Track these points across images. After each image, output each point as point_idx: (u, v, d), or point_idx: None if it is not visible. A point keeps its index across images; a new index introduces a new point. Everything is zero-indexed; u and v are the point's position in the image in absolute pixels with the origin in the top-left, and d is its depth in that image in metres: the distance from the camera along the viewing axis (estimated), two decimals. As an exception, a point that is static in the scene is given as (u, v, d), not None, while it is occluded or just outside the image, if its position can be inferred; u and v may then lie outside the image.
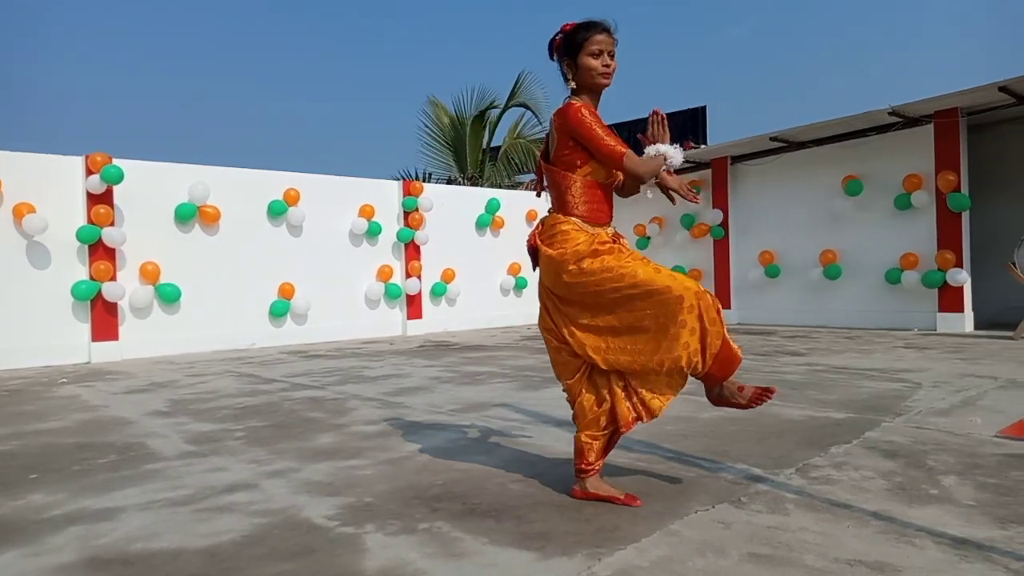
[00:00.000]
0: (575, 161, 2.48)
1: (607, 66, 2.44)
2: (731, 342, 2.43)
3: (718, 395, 2.53)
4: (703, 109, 15.88)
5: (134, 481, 2.98)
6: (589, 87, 2.48)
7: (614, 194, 2.62)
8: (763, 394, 2.46)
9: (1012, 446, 3.12)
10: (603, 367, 2.46)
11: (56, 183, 7.91)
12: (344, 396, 5.06)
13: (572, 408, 2.62)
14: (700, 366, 2.40)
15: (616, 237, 2.56)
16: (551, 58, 2.55)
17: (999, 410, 3.88)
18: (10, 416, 4.65)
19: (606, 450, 2.61)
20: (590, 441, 2.53)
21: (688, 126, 15.75)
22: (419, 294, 10.90)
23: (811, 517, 2.30)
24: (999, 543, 2.05)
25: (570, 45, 2.44)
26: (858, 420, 3.72)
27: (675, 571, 1.92)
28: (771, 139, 10.07)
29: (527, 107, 15.62)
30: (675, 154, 2.44)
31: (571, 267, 2.43)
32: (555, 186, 2.55)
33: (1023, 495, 2.46)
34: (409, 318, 10.82)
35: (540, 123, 15.64)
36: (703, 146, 12.35)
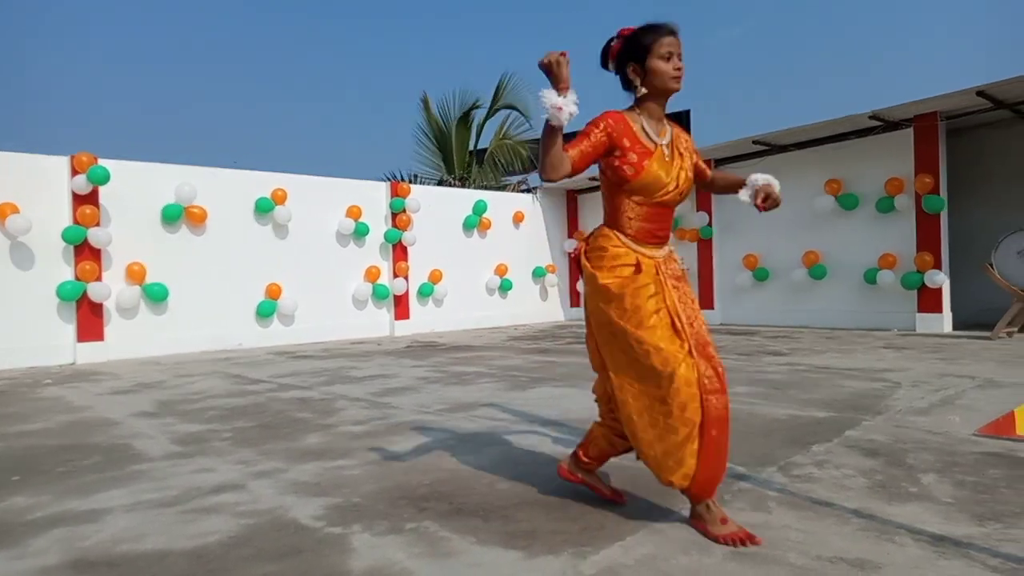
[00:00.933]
0: (621, 177, 2.31)
1: (678, 68, 2.28)
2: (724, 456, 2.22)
3: (694, 514, 2.26)
4: (687, 112, 15.96)
5: (120, 482, 2.97)
6: (660, 91, 2.31)
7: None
8: (745, 540, 2.11)
9: (989, 444, 3.18)
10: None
11: (41, 183, 7.85)
12: (332, 396, 5.05)
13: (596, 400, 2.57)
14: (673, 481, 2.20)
15: (668, 260, 2.37)
16: (604, 66, 2.40)
17: (977, 409, 3.94)
18: (-7, 418, 4.61)
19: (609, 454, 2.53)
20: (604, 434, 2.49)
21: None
22: (406, 295, 10.89)
23: (793, 515, 2.33)
24: (977, 540, 2.09)
25: (635, 49, 2.28)
26: (839, 419, 3.77)
27: (660, 569, 1.95)
28: (754, 142, 10.15)
29: (514, 108, 15.63)
30: (561, 103, 2.04)
31: (593, 292, 2.33)
32: (603, 196, 2.43)
33: (1000, 493, 2.51)
34: (397, 319, 10.81)
35: (529, 125, 15.66)
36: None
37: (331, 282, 10.16)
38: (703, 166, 2.59)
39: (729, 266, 11.07)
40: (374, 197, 10.74)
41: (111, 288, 8.08)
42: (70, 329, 7.97)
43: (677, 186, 2.35)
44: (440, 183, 15.52)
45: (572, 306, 13.52)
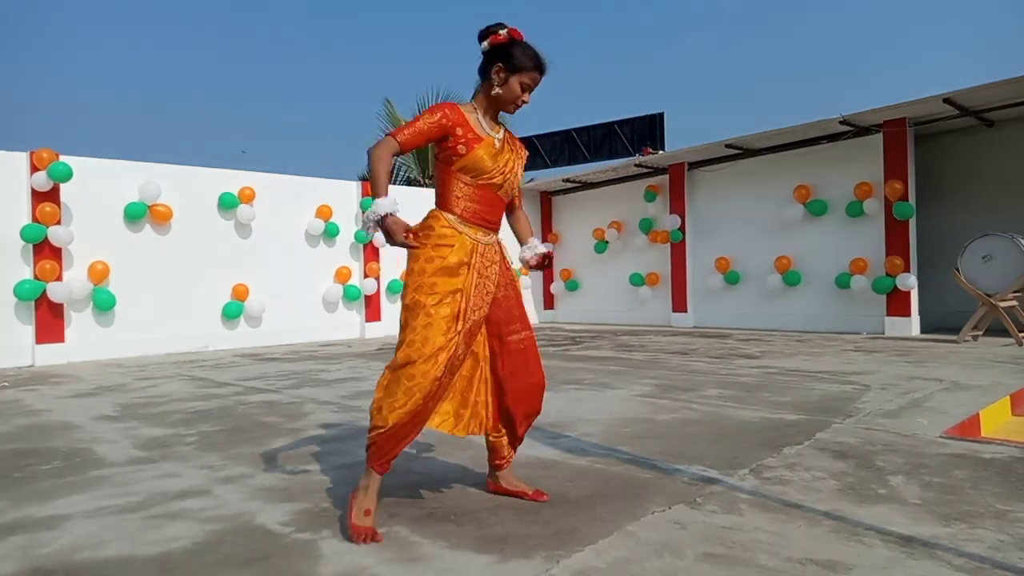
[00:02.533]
0: (452, 156, 2.47)
1: (524, 102, 2.50)
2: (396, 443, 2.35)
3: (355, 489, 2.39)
4: (661, 116, 16.04)
5: (80, 488, 2.88)
6: (499, 105, 2.51)
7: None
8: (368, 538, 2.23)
9: (956, 446, 3.23)
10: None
11: (-2, 179, 7.63)
12: (300, 400, 4.98)
13: None
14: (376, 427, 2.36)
15: (489, 249, 2.51)
16: (481, 42, 2.49)
17: (944, 411, 4.01)
18: (-53, 421, 4.46)
19: (513, 446, 2.68)
20: (499, 438, 2.63)
21: (647, 132, 15.92)
22: (377, 295, 10.80)
23: (765, 517, 2.34)
24: (943, 540, 2.11)
25: (512, 58, 2.43)
26: (810, 421, 3.81)
27: (632, 572, 1.94)
28: (727, 146, 10.26)
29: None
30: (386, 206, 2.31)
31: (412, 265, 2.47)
32: (436, 179, 2.57)
33: (965, 494, 2.54)
34: (367, 320, 10.71)
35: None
36: (660, 152, 12.50)
37: (300, 283, 10.03)
38: (518, 193, 2.75)
39: (702, 269, 11.16)
40: (345, 196, 10.64)
41: (71, 288, 7.88)
42: (28, 330, 7.76)
43: (503, 175, 2.51)
44: (409, 183, 15.44)
45: (546, 308, 13.53)
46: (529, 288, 13.24)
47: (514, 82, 2.45)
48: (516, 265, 2.72)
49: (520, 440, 2.67)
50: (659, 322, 11.64)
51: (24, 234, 7.60)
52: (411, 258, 2.47)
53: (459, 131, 2.42)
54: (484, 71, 2.50)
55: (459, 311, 2.38)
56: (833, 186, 9.71)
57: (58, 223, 7.80)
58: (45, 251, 7.77)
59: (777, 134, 9.64)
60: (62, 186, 7.88)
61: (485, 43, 2.47)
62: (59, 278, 7.82)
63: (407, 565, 2.03)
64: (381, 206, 2.30)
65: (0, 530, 2.40)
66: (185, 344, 8.87)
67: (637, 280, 11.89)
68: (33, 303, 7.72)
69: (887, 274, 8.96)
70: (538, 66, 2.47)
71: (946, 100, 8.09)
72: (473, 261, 2.44)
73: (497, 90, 2.47)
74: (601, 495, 2.61)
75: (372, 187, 2.38)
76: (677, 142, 17.17)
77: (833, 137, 9.59)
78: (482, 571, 1.98)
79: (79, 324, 8.10)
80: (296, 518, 2.46)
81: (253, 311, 9.43)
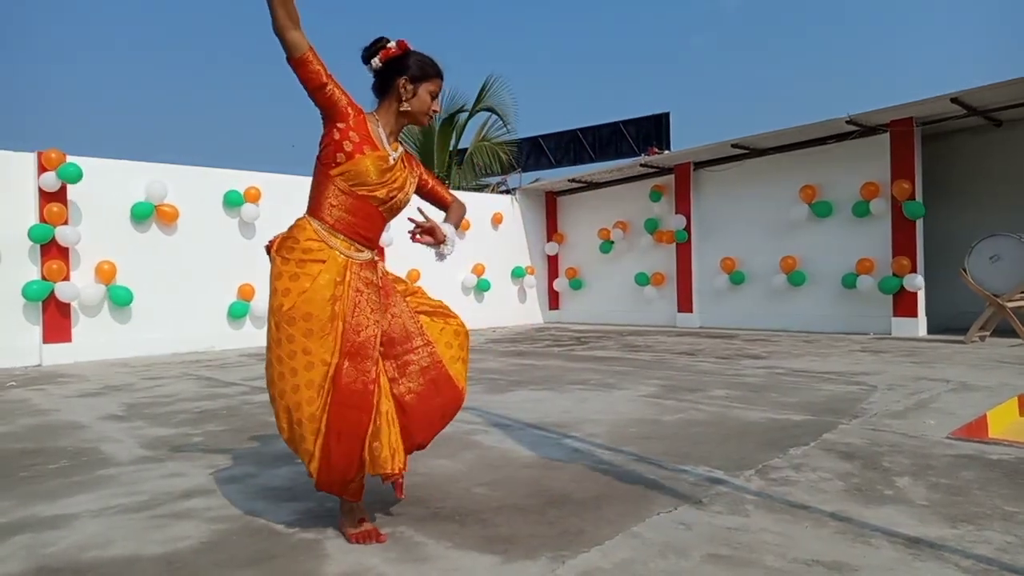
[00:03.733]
0: (335, 156, 2.25)
1: (435, 111, 2.42)
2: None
3: (340, 511, 2.33)
4: (666, 115, 16.04)
5: (86, 487, 2.90)
6: (414, 117, 2.38)
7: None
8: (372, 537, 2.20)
9: (963, 447, 3.21)
10: None
11: (6, 180, 7.67)
12: (306, 399, 4.98)
13: None
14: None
15: (365, 267, 2.30)
16: (367, 62, 2.36)
17: (951, 412, 3.99)
18: (-45, 421, 4.48)
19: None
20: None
21: (652, 132, 15.91)
22: (383, 296, 10.80)
23: (770, 518, 2.33)
24: (950, 542, 2.10)
25: (412, 68, 2.32)
26: (816, 422, 3.79)
27: (637, 573, 1.93)
28: (732, 146, 10.23)
29: (493, 111, 15.64)
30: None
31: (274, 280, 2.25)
32: (312, 184, 2.35)
33: (973, 495, 2.53)
34: (373, 321, 10.72)
35: (507, 129, 15.70)
36: (666, 152, 12.49)
37: (307, 283, 10.03)
38: (441, 191, 2.70)
39: (707, 270, 11.13)
40: (351, 198, 10.64)
41: (78, 288, 7.92)
42: (36, 330, 7.80)
43: (389, 190, 2.31)
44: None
45: (551, 308, 13.52)
46: (535, 287, 13.24)
47: (423, 92, 2.34)
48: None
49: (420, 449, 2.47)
50: (664, 322, 11.62)
51: (32, 234, 7.64)
52: (274, 275, 2.23)
53: (352, 123, 2.24)
54: (383, 88, 2.36)
55: (334, 335, 2.18)
56: (839, 186, 9.67)
57: (65, 223, 7.84)
58: (52, 251, 7.81)
59: (783, 134, 9.62)
60: (69, 186, 7.92)
61: (376, 60, 2.33)
62: (66, 278, 7.85)
63: (412, 565, 2.03)
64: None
65: (7, 529, 2.42)
66: (191, 344, 8.90)
67: (642, 280, 11.87)
68: (40, 303, 7.76)
69: (894, 274, 8.92)
70: (439, 72, 2.38)
71: (954, 100, 8.05)
72: (347, 279, 2.23)
73: (406, 105, 2.34)
74: (606, 496, 2.60)
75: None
76: (683, 142, 17.15)
77: (839, 137, 9.55)
78: (487, 571, 1.98)
79: (86, 324, 8.14)
80: (301, 518, 2.46)
81: (259, 311, 9.44)
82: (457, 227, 2.59)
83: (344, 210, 2.27)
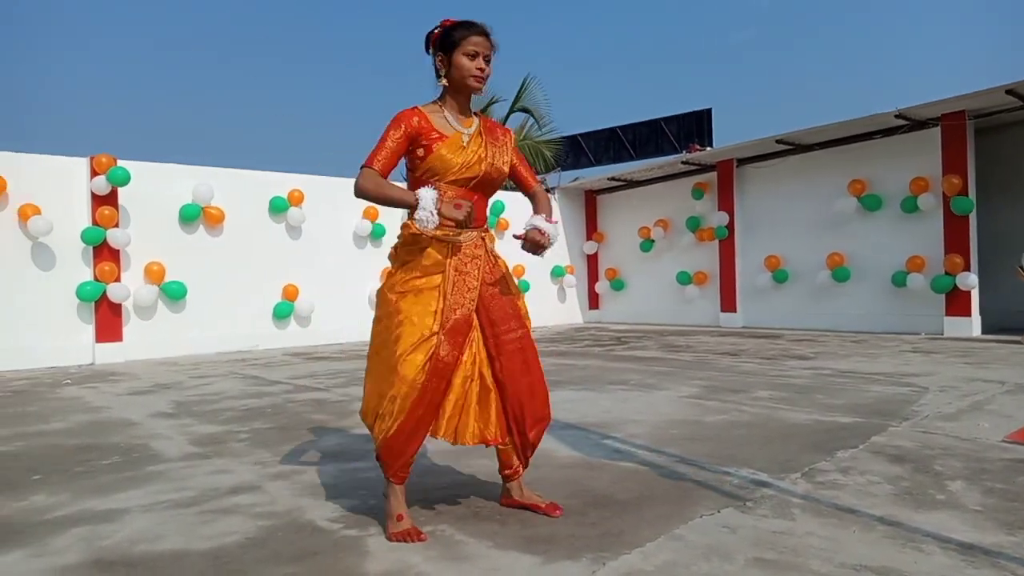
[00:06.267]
0: (416, 161, 2.39)
1: (481, 70, 2.35)
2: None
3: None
4: (708, 112, 15.83)
5: (137, 483, 2.98)
6: (459, 87, 2.38)
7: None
8: (412, 537, 2.24)
9: (1019, 451, 3.10)
10: None
11: (61, 184, 7.94)
12: (348, 398, 5.05)
13: None
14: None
15: (471, 244, 2.41)
16: (427, 51, 2.43)
17: (1007, 415, 3.85)
18: (13, 417, 4.65)
19: (525, 456, 2.53)
20: (506, 448, 2.49)
21: (694, 129, 15.72)
22: (423, 296, 10.88)
23: (817, 522, 2.28)
24: (1007, 549, 2.03)
25: (446, 42, 2.35)
26: (865, 424, 3.70)
27: (680, 576, 1.91)
28: (777, 141, 10.05)
29: (529, 112, 15.62)
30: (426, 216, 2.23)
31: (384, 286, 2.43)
32: (408, 186, 2.48)
33: (1031, 501, 2.44)
34: (413, 320, 10.80)
35: (540, 128, 15.66)
36: (708, 148, 12.33)
37: (348, 283, 10.18)
38: (525, 174, 2.67)
39: (751, 268, 10.96)
40: (392, 198, 10.75)
41: (129, 289, 8.15)
42: (89, 330, 8.05)
43: (471, 168, 2.37)
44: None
45: (591, 308, 13.46)
46: (574, 287, 13.19)
47: (458, 58, 2.33)
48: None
49: (533, 448, 2.51)
50: (707, 322, 11.47)
51: (84, 237, 7.89)
52: (388, 272, 2.47)
53: (423, 133, 2.34)
54: (437, 74, 2.42)
55: (436, 310, 2.30)
56: (887, 181, 9.42)
57: (116, 226, 8.07)
58: (104, 253, 8.06)
59: (828, 129, 9.41)
60: (119, 189, 8.16)
61: (430, 50, 2.41)
62: (117, 279, 8.09)
63: (453, 564, 2.04)
64: (424, 197, 2.22)
65: (65, 521, 2.50)
66: (237, 343, 9.09)
67: (684, 279, 11.74)
68: (93, 304, 8.01)
69: (946, 272, 8.66)
70: (470, 31, 2.34)
71: (1009, 91, 7.78)
72: (449, 259, 2.35)
73: (445, 81, 2.38)
74: (648, 497, 2.57)
75: (395, 204, 2.34)
76: (725, 138, 16.88)
77: (887, 132, 9.31)
78: (527, 571, 1.97)
79: (136, 324, 8.38)
80: (344, 515, 2.49)
81: (303, 311, 9.62)
82: (548, 218, 2.58)
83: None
